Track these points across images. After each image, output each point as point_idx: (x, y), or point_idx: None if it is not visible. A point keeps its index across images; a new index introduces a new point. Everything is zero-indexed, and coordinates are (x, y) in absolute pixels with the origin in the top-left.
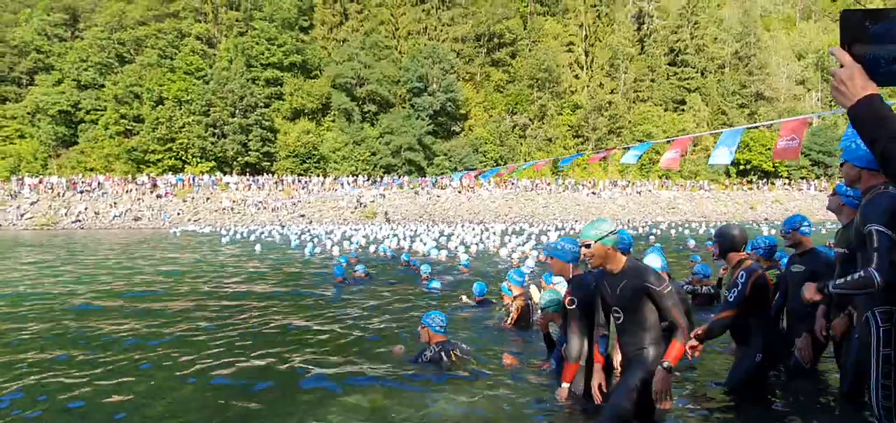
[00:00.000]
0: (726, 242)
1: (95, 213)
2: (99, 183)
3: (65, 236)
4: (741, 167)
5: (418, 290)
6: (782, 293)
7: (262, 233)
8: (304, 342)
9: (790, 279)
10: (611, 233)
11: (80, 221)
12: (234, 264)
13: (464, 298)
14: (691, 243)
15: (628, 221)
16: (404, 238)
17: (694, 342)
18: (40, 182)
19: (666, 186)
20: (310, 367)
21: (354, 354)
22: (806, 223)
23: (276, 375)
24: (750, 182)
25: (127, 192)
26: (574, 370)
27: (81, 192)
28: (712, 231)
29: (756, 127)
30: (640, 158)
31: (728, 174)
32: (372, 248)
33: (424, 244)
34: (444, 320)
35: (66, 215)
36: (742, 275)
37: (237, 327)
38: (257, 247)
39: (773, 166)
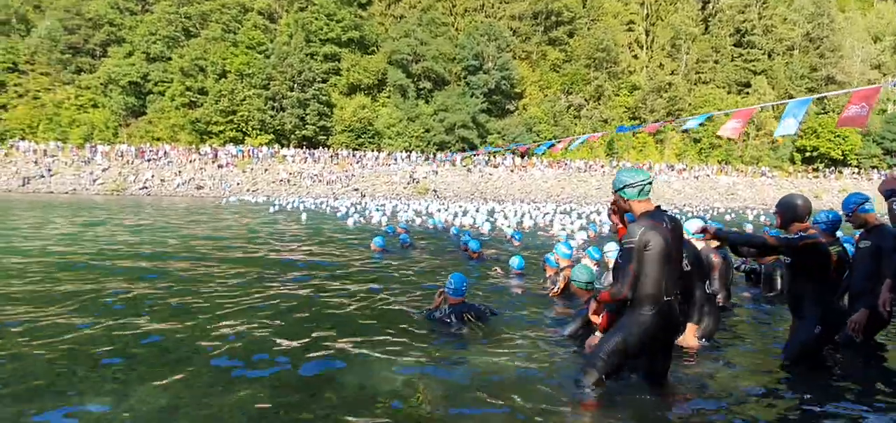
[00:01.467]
0: (789, 211)
1: (161, 180)
2: (165, 152)
3: (131, 200)
4: (807, 154)
5: (458, 260)
6: (849, 272)
7: (311, 204)
8: (328, 307)
9: (857, 256)
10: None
11: (146, 187)
12: (276, 231)
13: (498, 269)
14: (748, 227)
15: (683, 206)
16: (454, 213)
17: None
18: (111, 150)
19: (725, 172)
20: (329, 333)
21: (378, 320)
22: (866, 201)
23: (290, 336)
24: (815, 170)
25: (190, 161)
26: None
27: (148, 160)
28: (772, 216)
29: (824, 97)
30: (700, 124)
31: (792, 161)
32: (418, 220)
33: (473, 219)
34: (460, 283)
35: (134, 181)
36: (799, 232)
37: (263, 291)
38: (303, 216)
39: (842, 154)
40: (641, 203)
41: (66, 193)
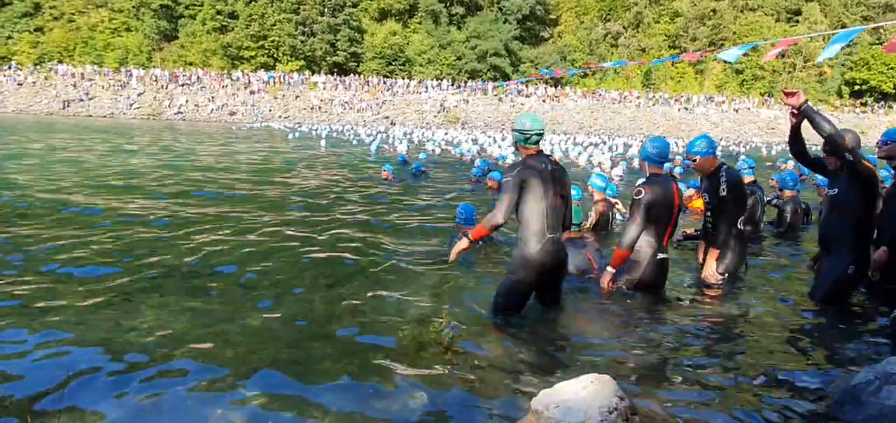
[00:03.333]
0: (833, 143)
1: (195, 105)
2: (198, 77)
3: (166, 125)
4: (856, 87)
5: (466, 191)
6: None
7: (332, 131)
8: (340, 239)
9: (889, 194)
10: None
11: (181, 113)
12: (289, 157)
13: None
14: (790, 163)
15: (719, 139)
16: (482, 143)
17: None
18: (146, 74)
19: (767, 105)
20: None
21: (389, 243)
22: None
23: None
24: (863, 104)
25: (223, 87)
26: (622, 257)
27: (182, 85)
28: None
29: (881, 26)
30: (738, 57)
31: (840, 94)
32: (435, 149)
33: (500, 148)
34: (470, 212)
35: (169, 106)
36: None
37: (258, 216)
38: (322, 143)
39: (894, 87)
40: (527, 150)
41: (105, 116)
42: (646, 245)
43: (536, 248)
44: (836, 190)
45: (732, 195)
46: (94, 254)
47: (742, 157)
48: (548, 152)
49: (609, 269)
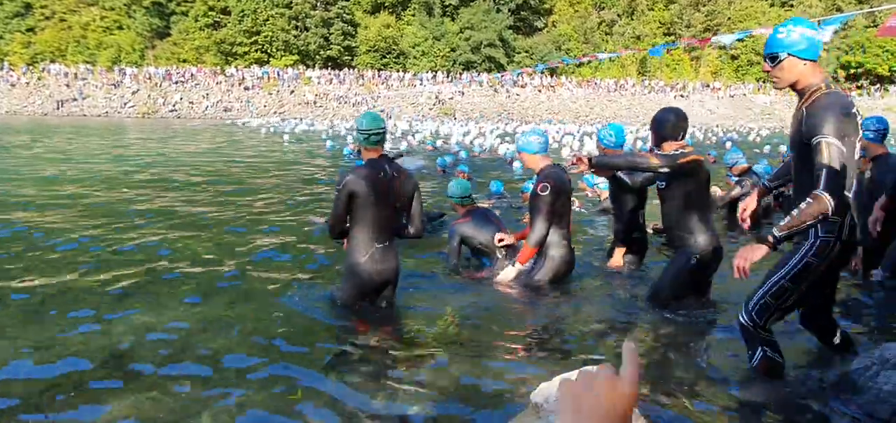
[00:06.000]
0: (662, 127)
1: (190, 103)
2: (191, 74)
3: (161, 122)
4: (852, 70)
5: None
6: None
7: (300, 126)
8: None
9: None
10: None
11: (175, 110)
12: (244, 156)
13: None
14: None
15: (715, 126)
16: (472, 134)
17: None
18: (140, 72)
19: (763, 89)
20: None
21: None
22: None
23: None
24: (859, 88)
25: (217, 84)
26: (530, 254)
27: (176, 82)
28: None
29: (875, 11)
30: (733, 43)
31: (835, 78)
32: (411, 141)
33: (485, 139)
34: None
35: (163, 104)
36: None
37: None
38: (285, 137)
39: (889, 70)
40: (368, 151)
41: (99, 116)
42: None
43: (362, 259)
44: (665, 182)
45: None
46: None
47: (728, 146)
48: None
49: (516, 266)
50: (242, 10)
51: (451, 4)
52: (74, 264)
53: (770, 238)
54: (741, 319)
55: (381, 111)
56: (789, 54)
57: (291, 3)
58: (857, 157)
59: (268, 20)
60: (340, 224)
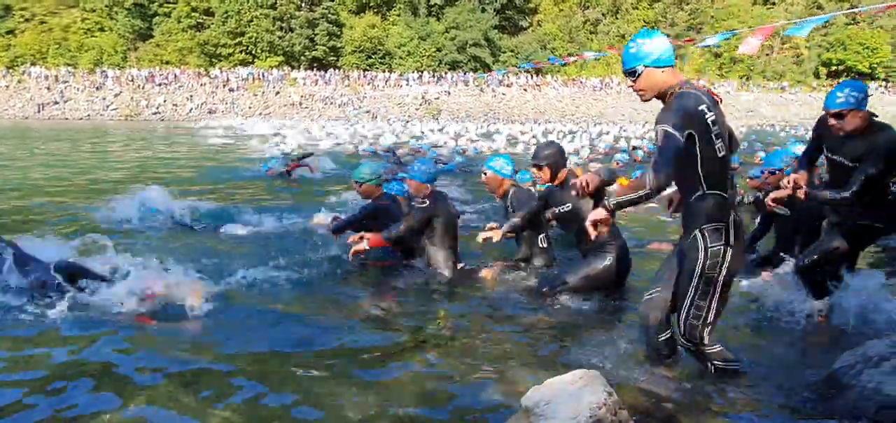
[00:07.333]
0: (561, 158)
1: (174, 105)
2: (175, 76)
3: (144, 125)
4: (833, 68)
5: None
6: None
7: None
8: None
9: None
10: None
11: (159, 113)
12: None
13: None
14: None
15: None
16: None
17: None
18: (122, 75)
19: (746, 88)
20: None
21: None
22: None
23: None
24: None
25: (201, 85)
26: (376, 241)
27: (159, 84)
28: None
29: (855, 10)
30: (718, 44)
31: (817, 75)
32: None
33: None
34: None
35: (147, 106)
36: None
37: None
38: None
39: (870, 67)
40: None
41: (81, 118)
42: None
43: None
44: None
45: None
46: None
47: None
48: (527, 141)
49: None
50: (226, 11)
51: (436, 4)
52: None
53: (607, 202)
54: (682, 343)
55: (367, 112)
56: (646, 66)
57: (276, 3)
58: (720, 154)
59: (252, 21)
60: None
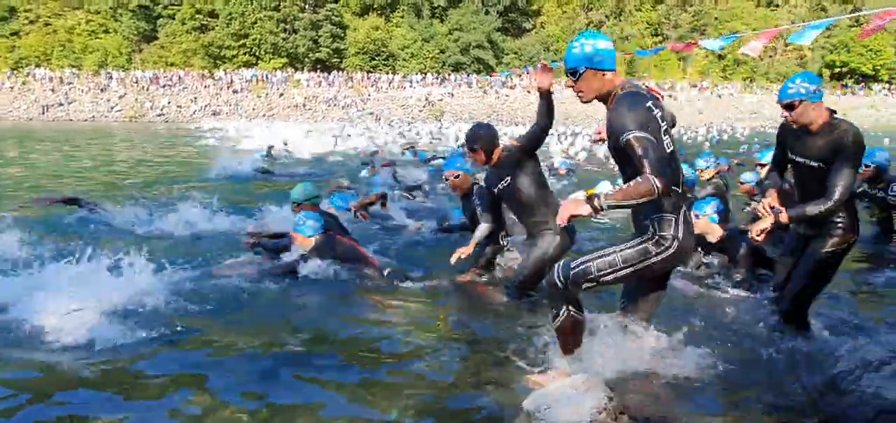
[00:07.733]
0: (494, 140)
1: (178, 107)
2: (179, 78)
3: (148, 127)
4: (836, 70)
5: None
6: None
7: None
8: None
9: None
10: None
11: (163, 114)
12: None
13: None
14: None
15: (707, 126)
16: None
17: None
18: (127, 76)
19: (750, 89)
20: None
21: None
22: None
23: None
24: (844, 86)
25: (205, 87)
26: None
27: (163, 86)
28: None
29: (860, 14)
30: (722, 48)
31: (820, 77)
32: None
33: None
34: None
35: (151, 108)
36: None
37: None
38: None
39: (874, 69)
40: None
41: (86, 120)
42: None
43: None
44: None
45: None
46: None
47: (706, 146)
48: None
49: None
50: (230, 13)
51: (439, 6)
52: None
53: (596, 201)
54: (551, 277)
55: (371, 114)
56: (587, 68)
57: (279, 5)
58: (669, 150)
59: (256, 23)
60: None
